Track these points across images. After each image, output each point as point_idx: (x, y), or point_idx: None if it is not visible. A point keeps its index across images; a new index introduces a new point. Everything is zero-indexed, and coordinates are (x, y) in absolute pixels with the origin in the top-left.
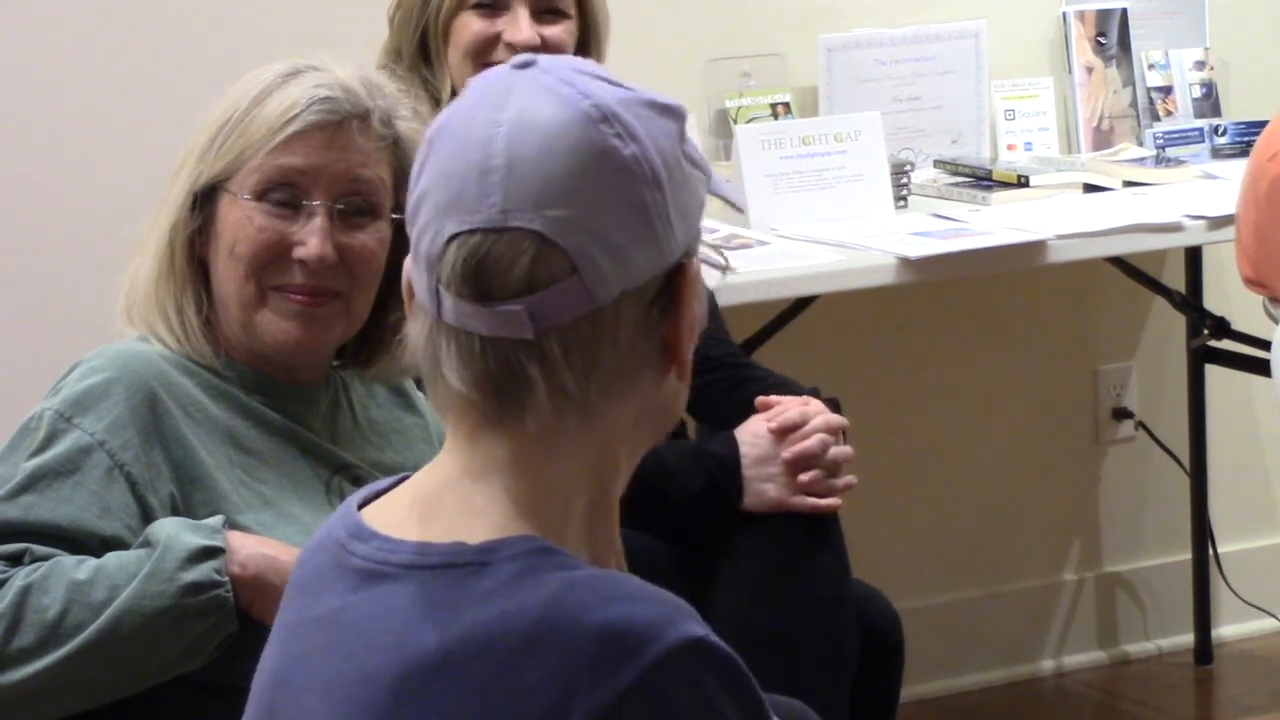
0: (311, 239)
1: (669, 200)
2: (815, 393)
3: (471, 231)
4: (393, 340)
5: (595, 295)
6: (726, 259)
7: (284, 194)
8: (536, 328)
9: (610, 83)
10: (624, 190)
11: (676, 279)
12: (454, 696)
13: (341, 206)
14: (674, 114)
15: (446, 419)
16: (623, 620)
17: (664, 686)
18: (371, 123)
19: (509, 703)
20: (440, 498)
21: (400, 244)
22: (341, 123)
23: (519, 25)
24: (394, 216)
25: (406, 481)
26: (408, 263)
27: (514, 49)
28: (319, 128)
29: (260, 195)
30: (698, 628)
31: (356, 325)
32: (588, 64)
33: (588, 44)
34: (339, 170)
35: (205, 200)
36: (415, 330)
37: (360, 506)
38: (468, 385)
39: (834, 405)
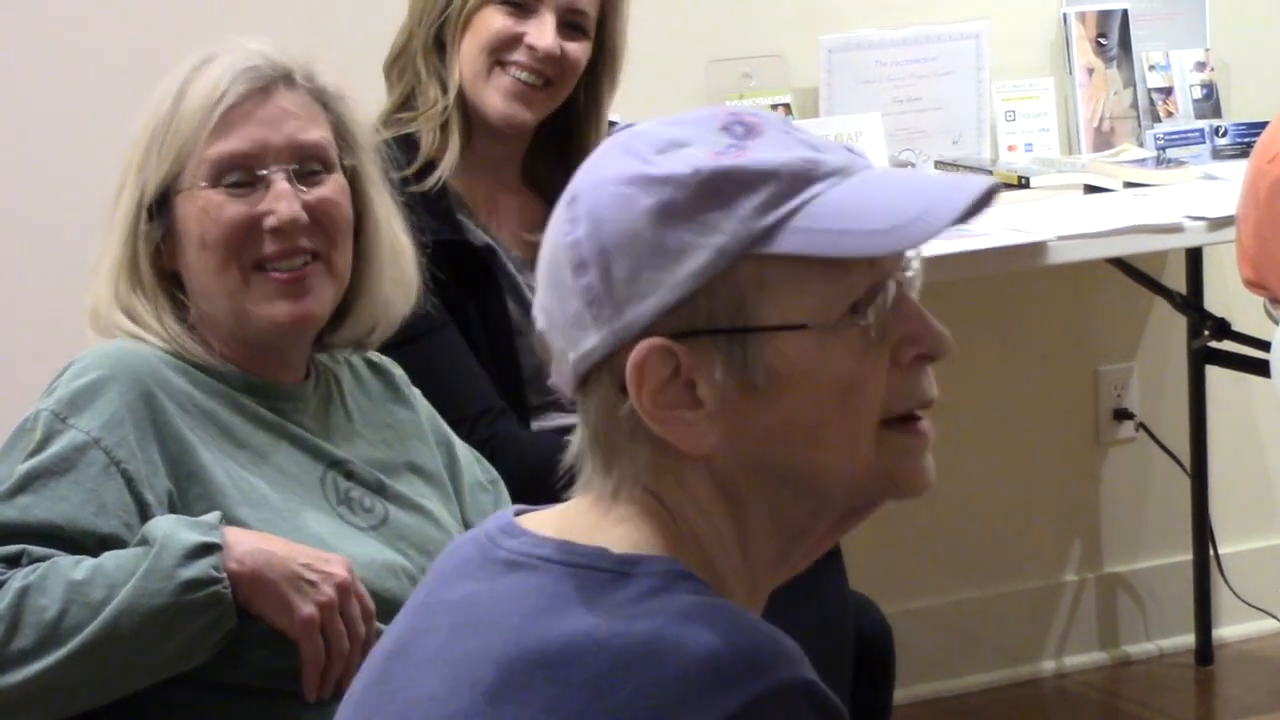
0: (279, 204)
1: (600, 282)
2: None
3: None
4: (356, 298)
5: (563, 373)
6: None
7: (237, 175)
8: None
9: (635, 154)
10: (562, 276)
11: (627, 359)
12: (560, 686)
13: (295, 167)
14: (664, 186)
15: None
16: (741, 646)
17: (771, 718)
18: (295, 80)
19: (608, 706)
20: (587, 510)
21: (358, 199)
22: (268, 87)
23: (544, 32)
24: (346, 164)
25: (566, 502)
26: None
27: (534, 53)
28: (247, 97)
29: (214, 181)
30: (810, 673)
31: (344, 284)
32: (666, 129)
33: (599, 69)
34: (280, 143)
35: (160, 209)
36: None
37: (517, 515)
38: None
39: None
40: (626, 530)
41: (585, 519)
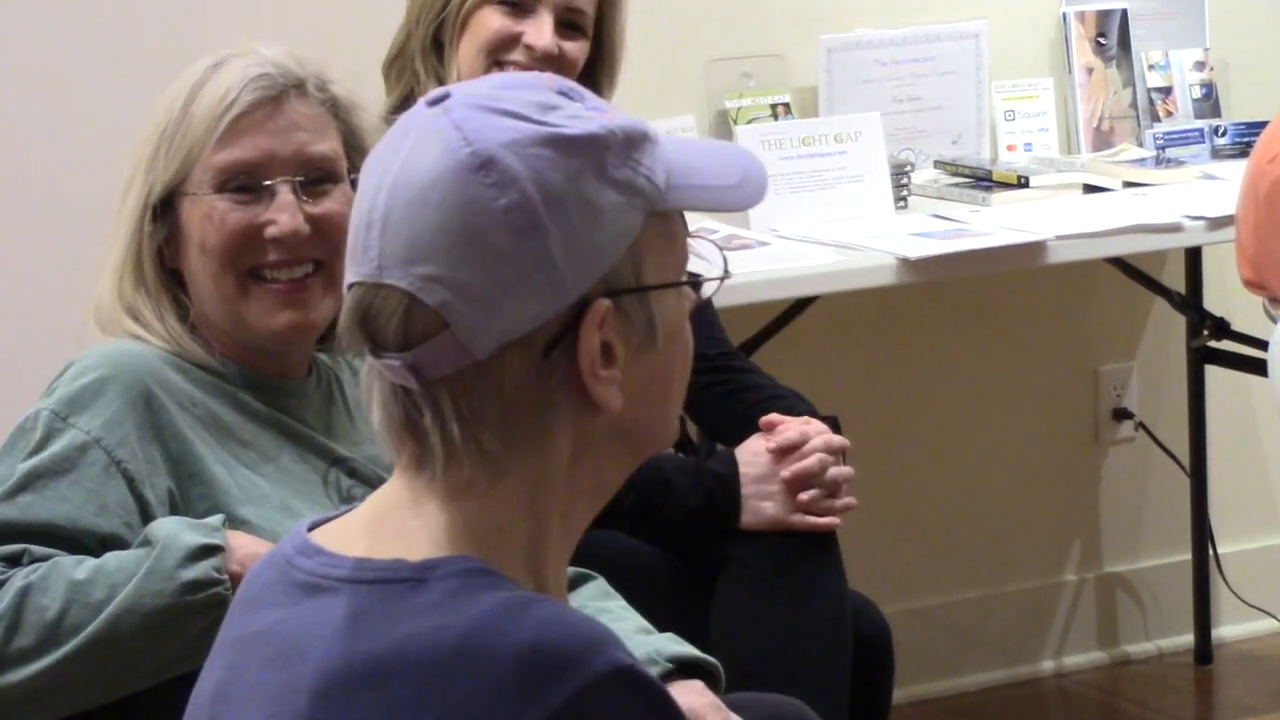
0: (281, 215)
1: (554, 245)
2: (813, 412)
3: (358, 284)
4: None
5: (471, 349)
6: (726, 267)
7: (242, 183)
8: (420, 380)
9: (521, 117)
10: (493, 243)
11: (579, 320)
12: (377, 708)
13: (301, 179)
14: (588, 147)
15: (385, 448)
16: (551, 643)
17: (592, 712)
18: (308, 89)
19: (432, 718)
20: (384, 519)
21: None
22: (279, 96)
23: (542, 31)
24: (353, 178)
25: (358, 506)
26: None
27: (533, 53)
28: (258, 106)
29: (219, 188)
30: (625, 656)
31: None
32: (513, 92)
33: (597, 67)
34: (288, 154)
35: (165, 210)
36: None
37: (312, 529)
38: (381, 428)
39: (834, 425)
40: (436, 528)
41: (391, 522)
